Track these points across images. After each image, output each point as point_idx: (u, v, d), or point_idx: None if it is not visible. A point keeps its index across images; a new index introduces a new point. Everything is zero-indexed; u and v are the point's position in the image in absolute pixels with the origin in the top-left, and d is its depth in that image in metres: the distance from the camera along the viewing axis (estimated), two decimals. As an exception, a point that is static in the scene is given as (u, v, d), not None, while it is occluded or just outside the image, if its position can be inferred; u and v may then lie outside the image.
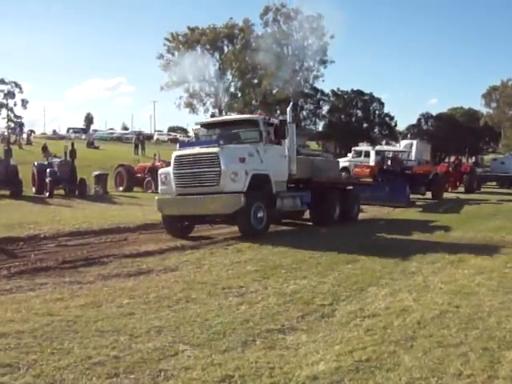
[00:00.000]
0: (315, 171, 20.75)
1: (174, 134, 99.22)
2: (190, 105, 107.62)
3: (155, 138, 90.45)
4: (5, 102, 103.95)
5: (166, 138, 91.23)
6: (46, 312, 8.10)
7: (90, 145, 69.01)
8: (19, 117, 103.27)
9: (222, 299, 9.03)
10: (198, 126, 21.06)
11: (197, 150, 17.02)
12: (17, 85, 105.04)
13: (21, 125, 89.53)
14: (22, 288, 9.82)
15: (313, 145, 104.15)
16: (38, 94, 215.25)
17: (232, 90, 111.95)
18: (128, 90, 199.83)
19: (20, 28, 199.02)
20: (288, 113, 19.07)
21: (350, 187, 24.53)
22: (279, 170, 17.96)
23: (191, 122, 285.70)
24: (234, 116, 20.30)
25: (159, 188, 17.98)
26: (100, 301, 8.82)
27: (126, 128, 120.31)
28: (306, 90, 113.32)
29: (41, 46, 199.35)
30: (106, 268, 11.70)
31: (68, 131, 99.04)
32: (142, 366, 6.00)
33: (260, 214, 16.39)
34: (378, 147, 44.17)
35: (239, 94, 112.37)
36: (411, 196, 32.72)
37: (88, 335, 7.03)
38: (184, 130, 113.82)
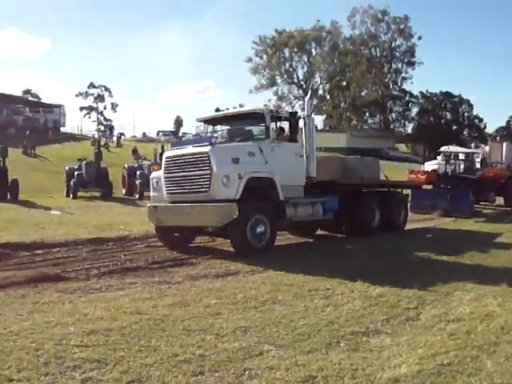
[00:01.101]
0: (346, 172, 18.10)
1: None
2: (278, 107, 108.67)
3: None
4: (95, 105, 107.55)
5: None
6: (134, 310, 8.38)
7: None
8: (109, 120, 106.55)
9: (307, 301, 9.11)
10: (200, 123, 18.52)
11: (187, 150, 14.78)
12: (106, 88, 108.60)
13: (111, 128, 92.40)
14: (111, 287, 10.22)
15: (402, 147, 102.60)
16: (127, 97, 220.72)
17: (320, 92, 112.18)
18: (217, 94, 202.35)
19: (109, 32, 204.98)
20: (306, 104, 16.89)
21: (396, 190, 21.69)
22: (292, 171, 15.23)
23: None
24: (236, 109, 17.24)
25: (151, 194, 16.21)
26: (188, 301, 9.04)
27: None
28: (395, 92, 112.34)
29: (130, 49, 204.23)
30: (195, 269, 12.04)
31: (158, 134, 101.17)
32: (227, 364, 6.11)
33: (260, 229, 13.84)
34: (443, 148, 37.24)
35: (328, 97, 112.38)
36: (479, 204, 30.11)
37: (175, 334, 7.23)
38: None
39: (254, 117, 15.82)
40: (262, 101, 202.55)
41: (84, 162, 33.44)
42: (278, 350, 6.62)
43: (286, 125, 16.10)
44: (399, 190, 21.99)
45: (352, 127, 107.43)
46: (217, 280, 10.89)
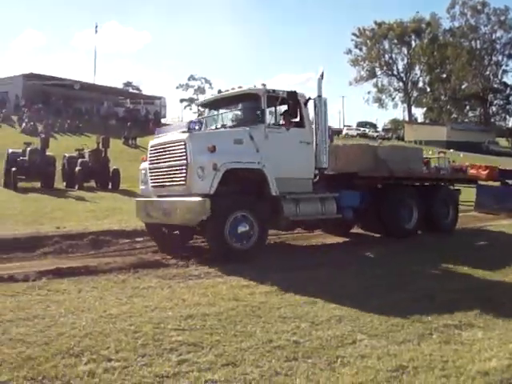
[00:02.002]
0: (378, 163, 15.92)
1: (363, 128, 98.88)
2: (378, 100, 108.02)
3: (344, 132, 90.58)
4: (195, 97, 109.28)
5: (354, 132, 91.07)
6: (231, 297, 8.64)
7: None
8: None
9: (402, 293, 9.18)
10: (203, 109, 16.80)
11: (167, 137, 13.25)
12: (207, 80, 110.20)
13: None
14: (209, 274, 10.57)
15: (502, 141, 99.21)
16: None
17: (420, 84, 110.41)
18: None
19: (209, 23, 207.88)
20: (317, 84, 14.44)
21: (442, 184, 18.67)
22: (295, 162, 13.39)
23: (380, 116, 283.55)
24: (232, 90, 14.33)
25: (140, 187, 14.81)
26: (284, 288, 9.20)
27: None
28: (495, 85, 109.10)
29: (230, 40, 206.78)
30: (297, 259, 12.37)
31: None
32: (319, 351, 6.23)
33: (243, 228, 12.08)
34: None
35: (428, 89, 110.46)
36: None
37: (271, 320, 7.41)
38: (373, 125, 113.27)
39: (250, 98, 13.70)
40: (361, 93, 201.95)
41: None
42: (370, 339, 6.71)
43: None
44: (452, 185, 18.95)
45: (452, 120, 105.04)
46: (316, 269, 11.11)
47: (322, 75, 14.22)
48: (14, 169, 28.25)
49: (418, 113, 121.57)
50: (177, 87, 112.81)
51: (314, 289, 9.14)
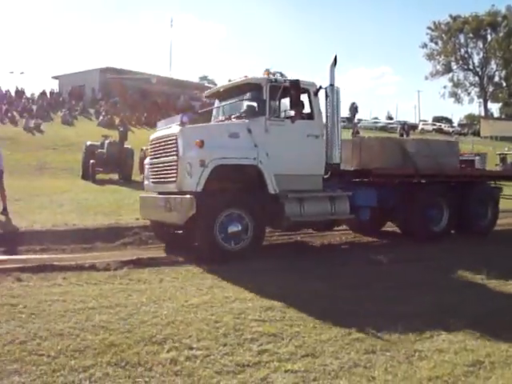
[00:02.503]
0: (407, 159, 14.51)
1: (439, 123, 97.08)
2: (454, 94, 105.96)
3: (420, 127, 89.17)
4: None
5: (430, 127, 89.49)
6: (312, 290, 8.83)
7: (356, 134, 70.27)
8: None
9: (479, 289, 9.26)
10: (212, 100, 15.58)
11: (162, 131, 12.80)
12: (282, 75, 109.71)
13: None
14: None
15: None
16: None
17: (496, 79, 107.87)
18: (392, 80, 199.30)
19: (285, 17, 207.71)
20: (329, 72, 13.39)
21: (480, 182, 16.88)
22: (301, 157, 12.52)
23: (456, 111, 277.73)
24: (234, 80, 13.63)
25: (144, 183, 14.18)
26: (368, 283, 9.41)
27: (390, 118, 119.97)
28: None
29: (305, 34, 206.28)
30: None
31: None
32: (398, 345, 6.31)
33: (235, 228, 11.49)
34: None
35: (504, 84, 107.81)
36: None
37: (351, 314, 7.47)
38: (448, 120, 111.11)
39: (253, 88, 12.83)
40: (437, 88, 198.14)
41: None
42: (448, 334, 6.77)
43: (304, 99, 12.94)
44: (492, 183, 17.31)
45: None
46: (400, 264, 11.28)
47: (334, 62, 13.25)
48: (92, 161, 28.88)
49: (494, 108, 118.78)
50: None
51: (395, 283, 9.34)
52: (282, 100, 12.86)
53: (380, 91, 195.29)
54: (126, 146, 30.57)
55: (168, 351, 5.91)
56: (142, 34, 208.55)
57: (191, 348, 6.04)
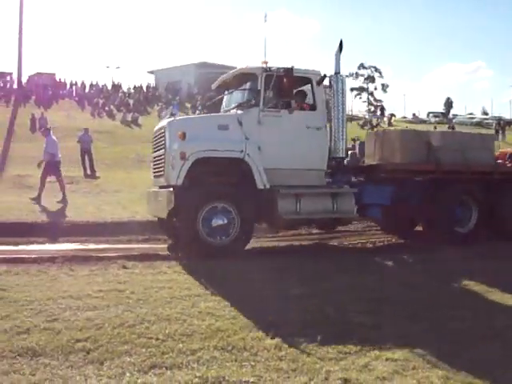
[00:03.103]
0: (432, 153, 13.12)
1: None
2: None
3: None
4: (365, 86, 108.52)
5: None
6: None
7: (452, 129, 68.87)
8: (379, 100, 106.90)
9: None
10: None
11: (160, 123, 12.78)
12: (376, 69, 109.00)
13: (382, 108, 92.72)
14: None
15: None
16: (397, 77, 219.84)
17: None
18: (487, 75, 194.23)
19: (377, 12, 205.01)
20: (335, 59, 12.71)
21: None
22: (299, 150, 11.89)
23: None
24: (233, 70, 13.35)
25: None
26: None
27: (485, 113, 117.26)
28: None
29: (398, 28, 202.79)
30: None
31: (428, 115, 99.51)
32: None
33: (220, 222, 11.15)
34: None
35: None
36: None
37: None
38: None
39: (249, 78, 12.38)
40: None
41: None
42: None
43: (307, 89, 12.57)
44: None
45: None
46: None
47: (340, 49, 12.53)
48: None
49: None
50: (346, 76, 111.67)
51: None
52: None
53: (474, 86, 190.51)
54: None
55: (272, 338, 6.13)
56: (236, 28, 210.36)
57: (295, 335, 6.26)
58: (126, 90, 63.87)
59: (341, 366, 5.46)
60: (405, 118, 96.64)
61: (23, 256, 11.04)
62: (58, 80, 61.44)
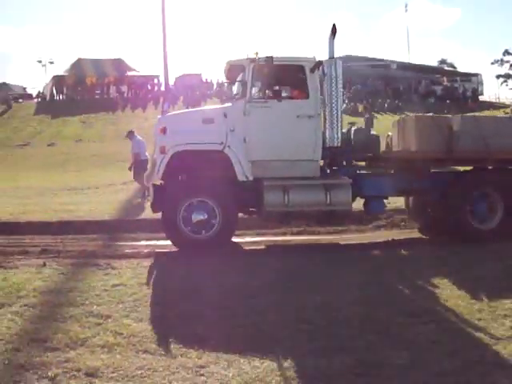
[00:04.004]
0: (452, 139, 11.73)
1: None
2: None
3: None
4: (511, 72, 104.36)
5: None
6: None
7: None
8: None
9: None
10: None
11: None
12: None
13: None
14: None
15: None
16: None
17: None
18: None
19: None
20: (328, 44, 11.84)
21: None
22: (289, 140, 11.39)
23: None
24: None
25: None
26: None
27: None
28: None
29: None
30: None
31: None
32: None
33: (200, 217, 11.07)
34: None
35: None
36: None
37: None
38: None
39: (240, 70, 11.94)
40: None
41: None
42: None
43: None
44: None
45: None
46: None
47: (332, 32, 11.72)
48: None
49: None
50: (492, 63, 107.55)
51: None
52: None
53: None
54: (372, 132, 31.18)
55: (426, 323, 6.60)
56: (376, 20, 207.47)
57: (446, 321, 6.75)
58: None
59: (490, 350, 5.87)
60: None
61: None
62: (204, 80, 63.00)
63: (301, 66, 11.58)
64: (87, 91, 57.00)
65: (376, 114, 46.49)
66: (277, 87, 11.86)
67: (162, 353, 5.92)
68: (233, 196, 11.25)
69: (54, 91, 58.02)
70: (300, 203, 11.24)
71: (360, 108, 49.20)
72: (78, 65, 58.49)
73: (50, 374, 5.38)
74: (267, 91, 11.79)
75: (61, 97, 58.14)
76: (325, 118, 11.61)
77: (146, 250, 11.44)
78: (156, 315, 7.14)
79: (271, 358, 5.67)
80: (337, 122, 11.55)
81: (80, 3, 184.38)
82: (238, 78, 12.01)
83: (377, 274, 9.18)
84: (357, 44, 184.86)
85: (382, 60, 68.35)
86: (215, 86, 60.32)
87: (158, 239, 12.44)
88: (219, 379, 5.28)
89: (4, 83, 64.85)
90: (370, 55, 72.14)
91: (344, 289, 8.17)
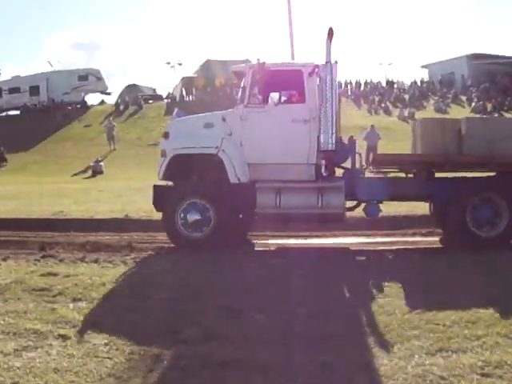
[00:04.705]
0: (461, 142, 11.47)
1: None
2: None
3: None
4: None
5: None
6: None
7: None
8: None
9: None
10: None
11: None
12: None
13: None
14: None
15: None
16: None
17: None
18: None
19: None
20: (325, 48, 11.59)
21: None
22: (283, 144, 11.60)
23: None
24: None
25: None
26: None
27: None
28: None
29: None
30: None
31: None
32: None
33: (194, 217, 11.51)
34: None
35: None
36: None
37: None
38: None
39: (242, 76, 12.40)
40: None
41: None
42: None
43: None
44: None
45: None
46: None
47: (329, 36, 11.55)
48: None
49: None
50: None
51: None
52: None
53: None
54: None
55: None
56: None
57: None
58: (399, 86, 64.04)
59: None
60: None
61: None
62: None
63: (298, 70, 11.88)
64: (216, 92, 56.42)
65: (505, 114, 45.01)
66: (274, 92, 12.27)
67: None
68: (227, 198, 11.59)
69: (184, 92, 59.70)
70: (291, 205, 11.43)
71: (489, 106, 47.65)
72: (207, 66, 59.54)
73: (181, 363, 5.67)
74: (264, 96, 12.11)
75: (190, 97, 59.27)
76: (320, 122, 11.53)
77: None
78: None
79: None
80: (331, 125, 11.43)
81: (207, 5, 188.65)
82: (241, 84, 12.44)
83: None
84: (485, 42, 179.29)
85: (510, 58, 65.89)
86: (343, 86, 60.29)
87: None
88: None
89: (134, 84, 65.81)
90: (502, 53, 69.74)
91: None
